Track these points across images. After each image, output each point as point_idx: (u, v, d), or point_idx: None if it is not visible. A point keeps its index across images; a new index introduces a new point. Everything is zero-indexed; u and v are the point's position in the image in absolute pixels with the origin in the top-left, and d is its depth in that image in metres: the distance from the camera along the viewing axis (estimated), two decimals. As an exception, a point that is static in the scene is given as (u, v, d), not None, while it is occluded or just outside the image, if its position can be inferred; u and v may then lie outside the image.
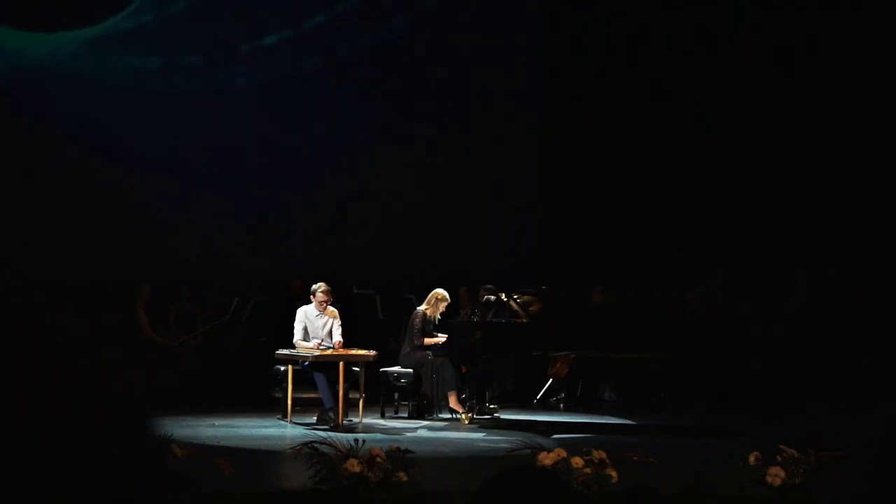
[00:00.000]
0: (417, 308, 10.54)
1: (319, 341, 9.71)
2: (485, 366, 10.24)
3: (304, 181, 13.36)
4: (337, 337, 9.77)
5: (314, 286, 9.84)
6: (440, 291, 10.50)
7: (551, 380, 11.91)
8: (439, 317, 10.54)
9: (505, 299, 10.15)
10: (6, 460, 1.97)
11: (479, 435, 9.22)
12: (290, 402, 9.61)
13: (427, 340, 10.37)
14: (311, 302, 9.90)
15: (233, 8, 13.16)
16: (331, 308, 9.87)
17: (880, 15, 11.89)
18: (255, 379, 11.10)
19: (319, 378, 9.54)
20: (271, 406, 10.40)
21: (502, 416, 10.31)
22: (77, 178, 12.12)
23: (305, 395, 10.19)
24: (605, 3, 13.65)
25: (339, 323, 9.87)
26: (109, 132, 12.33)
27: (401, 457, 5.83)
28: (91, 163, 12.29)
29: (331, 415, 9.45)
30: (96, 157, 12.35)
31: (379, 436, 8.63)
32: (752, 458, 6.03)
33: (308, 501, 5.83)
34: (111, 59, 12.73)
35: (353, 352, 9.72)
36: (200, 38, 13.03)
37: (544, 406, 11.68)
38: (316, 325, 9.81)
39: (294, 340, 9.84)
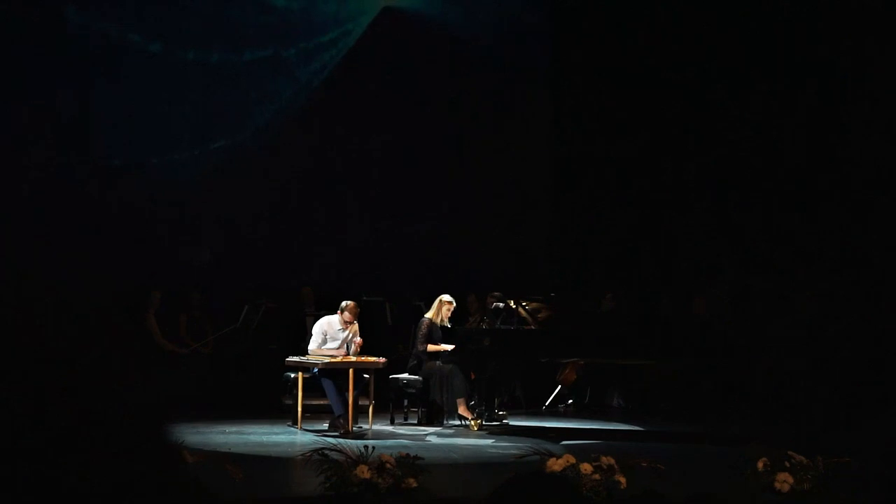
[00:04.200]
0: (424, 316, 10.60)
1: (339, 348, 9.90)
2: (493, 372, 10.27)
3: (312, 188, 13.41)
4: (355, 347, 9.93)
5: (344, 303, 9.95)
6: (444, 296, 10.59)
7: (560, 386, 11.94)
8: (448, 324, 10.59)
9: (513, 306, 10.19)
10: (20, 466, 2.01)
11: (488, 441, 9.24)
12: (300, 408, 9.67)
13: (431, 347, 10.42)
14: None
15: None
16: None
17: (882, 18, 11.91)
18: (266, 386, 11.15)
19: (328, 385, 9.61)
20: (282, 413, 10.45)
21: (511, 423, 10.33)
22: (86, 185, 12.17)
23: (316, 402, 10.24)
24: (613, 8, 13.68)
25: (359, 336, 10.00)
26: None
27: (410, 463, 5.87)
28: (102, 170, 12.35)
29: (341, 421, 9.51)
30: (107, 163, 12.41)
31: (389, 442, 8.65)
32: (760, 465, 6.06)
33: (318, 507, 5.86)
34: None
35: (363, 359, 9.78)
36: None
37: (553, 412, 11.70)
38: (338, 338, 9.93)
39: (311, 348, 9.93)
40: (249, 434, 9.34)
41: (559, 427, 10.25)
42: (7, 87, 11.70)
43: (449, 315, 10.59)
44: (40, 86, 11.96)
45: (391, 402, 10.48)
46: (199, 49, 12.84)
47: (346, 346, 9.96)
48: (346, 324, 9.93)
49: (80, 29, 12.26)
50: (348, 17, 13.60)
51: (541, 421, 10.83)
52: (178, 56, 12.73)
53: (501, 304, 10.42)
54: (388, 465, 5.77)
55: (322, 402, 10.10)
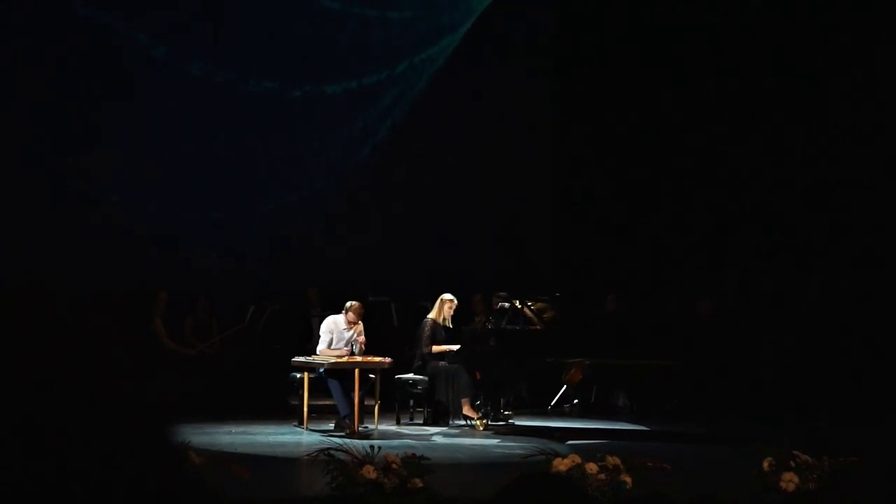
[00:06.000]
0: (427, 317, 10.63)
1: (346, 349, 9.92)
2: (499, 372, 10.28)
3: (317, 189, 13.42)
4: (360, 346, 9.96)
5: (348, 303, 9.99)
6: (444, 295, 10.63)
7: (565, 386, 11.95)
8: (450, 324, 10.61)
9: (519, 306, 10.20)
10: (29, 467, 2.02)
11: (494, 441, 9.25)
12: (306, 409, 9.70)
13: (436, 348, 10.44)
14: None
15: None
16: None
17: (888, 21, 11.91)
18: (272, 386, 11.17)
19: (334, 385, 9.66)
20: (287, 413, 10.47)
21: (517, 423, 10.35)
22: (91, 187, 12.17)
23: (321, 402, 10.26)
24: (622, 10, 13.66)
25: (363, 336, 10.01)
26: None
27: (416, 463, 5.88)
28: (105, 172, 12.35)
29: (347, 421, 9.54)
30: (110, 167, 12.41)
31: (394, 442, 8.67)
32: (765, 464, 6.05)
33: (324, 508, 5.86)
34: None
35: (369, 359, 9.79)
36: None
37: (558, 412, 11.71)
38: (343, 337, 9.97)
39: (319, 349, 9.96)
40: (255, 434, 9.36)
41: (565, 427, 10.25)
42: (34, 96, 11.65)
43: (451, 313, 10.62)
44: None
45: (397, 403, 10.50)
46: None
47: (350, 345, 9.99)
48: (351, 324, 9.96)
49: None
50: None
51: (546, 421, 10.83)
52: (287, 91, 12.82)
53: (507, 305, 10.43)
54: (393, 466, 5.78)
55: (328, 403, 10.13)
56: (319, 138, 13.42)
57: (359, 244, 13.35)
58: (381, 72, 13.46)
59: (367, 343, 10.06)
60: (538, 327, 10.15)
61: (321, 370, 9.77)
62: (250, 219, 13.07)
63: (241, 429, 9.62)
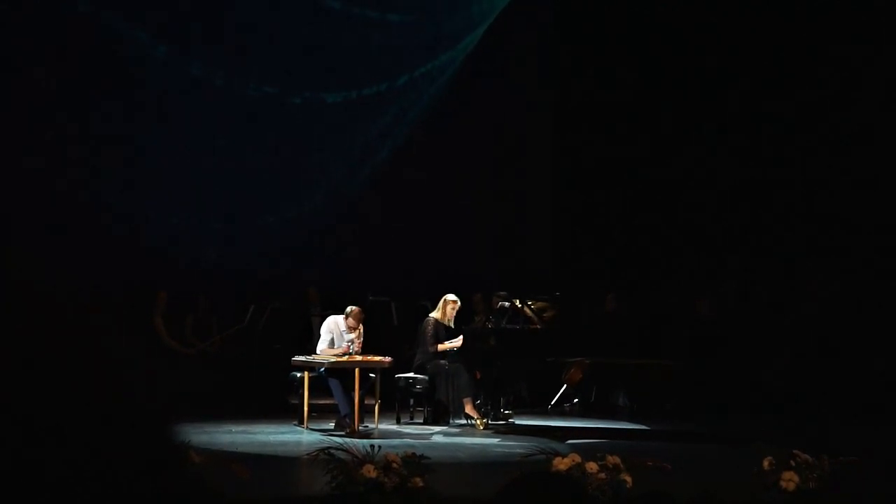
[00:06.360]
0: (429, 316, 10.64)
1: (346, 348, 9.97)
2: (499, 372, 10.29)
3: (318, 190, 13.42)
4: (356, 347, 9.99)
5: (348, 308, 10.00)
6: (448, 296, 10.63)
7: (565, 385, 11.95)
8: (451, 325, 10.62)
9: (519, 305, 10.20)
10: (29, 466, 2.02)
11: (494, 440, 9.25)
12: (306, 408, 9.71)
13: (440, 346, 10.46)
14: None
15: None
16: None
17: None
18: (272, 385, 11.18)
19: (334, 384, 9.68)
20: (288, 412, 10.47)
21: (517, 422, 10.35)
22: (91, 187, 12.16)
23: (322, 402, 10.26)
24: (619, 14, 13.66)
25: (362, 339, 10.03)
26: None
27: (416, 462, 5.87)
28: (106, 173, 12.34)
29: (347, 421, 9.54)
30: (110, 167, 12.41)
31: (394, 441, 8.67)
32: (765, 464, 6.05)
33: (324, 507, 5.86)
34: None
35: (369, 358, 9.80)
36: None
37: (559, 412, 11.72)
38: (344, 339, 9.99)
39: (319, 349, 9.97)
40: (256, 434, 9.36)
41: (565, 426, 10.26)
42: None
43: (454, 314, 10.63)
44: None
45: (397, 402, 10.51)
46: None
47: (349, 346, 10.00)
48: (351, 329, 9.98)
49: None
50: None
51: (546, 420, 10.84)
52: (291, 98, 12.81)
53: (507, 304, 10.43)
54: (394, 465, 5.78)
55: (328, 402, 10.13)
56: (320, 146, 13.42)
57: (358, 245, 13.35)
58: (382, 83, 13.44)
59: (367, 342, 10.08)
60: (538, 327, 10.15)
61: (321, 369, 9.78)
62: (250, 224, 13.06)
63: (241, 428, 9.62)
